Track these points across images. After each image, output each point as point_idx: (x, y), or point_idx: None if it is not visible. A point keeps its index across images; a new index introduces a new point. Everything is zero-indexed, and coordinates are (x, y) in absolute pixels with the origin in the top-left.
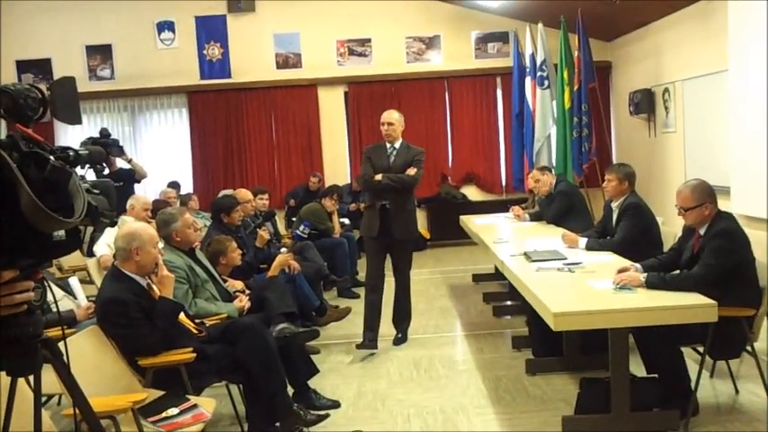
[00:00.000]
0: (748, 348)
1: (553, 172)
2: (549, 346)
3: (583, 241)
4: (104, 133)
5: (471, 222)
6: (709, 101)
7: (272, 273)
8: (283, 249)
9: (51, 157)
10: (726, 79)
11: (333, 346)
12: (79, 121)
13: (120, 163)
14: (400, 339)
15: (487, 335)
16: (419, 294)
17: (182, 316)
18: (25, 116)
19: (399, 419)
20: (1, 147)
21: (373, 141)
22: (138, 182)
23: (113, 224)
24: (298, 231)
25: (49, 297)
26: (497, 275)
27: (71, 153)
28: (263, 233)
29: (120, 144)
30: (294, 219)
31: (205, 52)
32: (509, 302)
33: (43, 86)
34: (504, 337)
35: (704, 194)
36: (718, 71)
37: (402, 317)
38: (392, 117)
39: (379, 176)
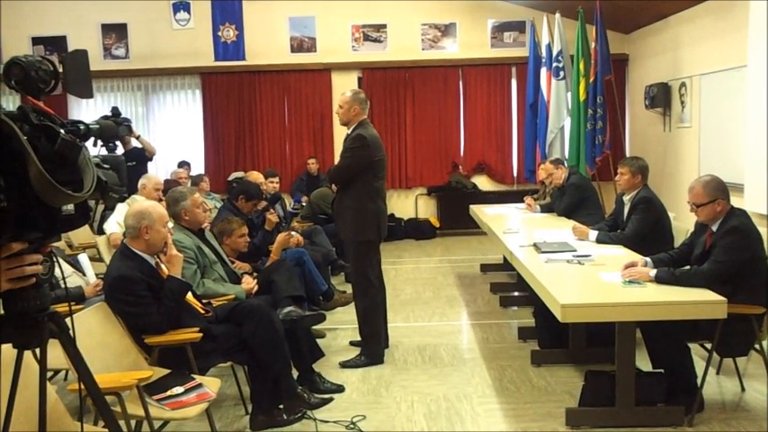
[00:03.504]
0: (756, 346)
1: (566, 164)
2: (554, 337)
3: (593, 234)
4: (115, 112)
5: (481, 212)
6: (727, 96)
7: (273, 255)
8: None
9: (62, 131)
10: (744, 75)
11: (339, 330)
12: (91, 95)
13: (134, 143)
14: (347, 364)
15: (493, 325)
16: (427, 282)
17: (189, 296)
18: (36, 88)
19: (403, 406)
20: (11, 118)
21: (386, 128)
22: (150, 160)
23: (122, 199)
24: (290, 209)
25: (58, 273)
26: (505, 266)
27: (82, 127)
28: (272, 216)
29: (130, 123)
30: (303, 204)
31: (220, 34)
32: (516, 293)
33: (55, 59)
34: (510, 328)
35: (716, 190)
36: (736, 67)
37: (361, 335)
38: (340, 99)
39: None
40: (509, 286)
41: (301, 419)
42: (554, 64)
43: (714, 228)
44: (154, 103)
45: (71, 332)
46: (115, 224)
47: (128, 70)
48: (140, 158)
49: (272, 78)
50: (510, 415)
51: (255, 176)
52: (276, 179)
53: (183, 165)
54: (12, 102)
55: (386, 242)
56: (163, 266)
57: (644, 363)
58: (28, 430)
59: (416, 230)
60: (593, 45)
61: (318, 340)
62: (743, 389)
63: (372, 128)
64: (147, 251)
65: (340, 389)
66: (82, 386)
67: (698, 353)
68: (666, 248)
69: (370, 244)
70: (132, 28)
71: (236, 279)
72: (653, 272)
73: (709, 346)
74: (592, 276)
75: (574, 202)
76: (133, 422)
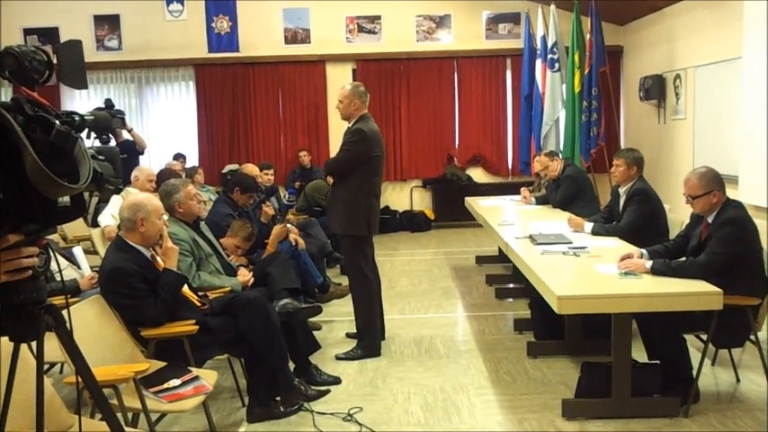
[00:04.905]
0: (752, 338)
1: (561, 156)
2: (550, 329)
3: (589, 226)
4: (108, 104)
5: (477, 204)
6: (721, 88)
7: (270, 247)
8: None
9: (57, 122)
10: (739, 67)
11: (335, 322)
12: (85, 86)
13: (126, 136)
14: (343, 357)
15: (489, 316)
16: (422, 275)
17: (185, 288)
18: (30, 79)
19: (400, 397)
20: (5, 109)
21: (380, 120)
22: (142, 153)
23: (118, 191)
24: (285, 201)
25: (54, 266)
26: (501, 258)
27: (77, 118)
28: (268, 209)
29: (123, 115)
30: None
31: (213, 25)
32: (512, 285)
33: (49, 49)
34: (505, 320)
35: (712, 182)
36: (731, 58)
37: (357, 328)
38: (340, 93)
39: None
40: (504, 278)
41: (298, 411)
42: (549, 56)
43: (710, 219)
44: (147, 95)
45: (68, 325)
46: (110, 217)
47: (121, 62)
48: (132, 151)
49: (266, 70)
50: (506, 406)
51: (251, 169)
52: (271, 171)
53: (179, 157)
54: (4, 93)
55: (381, 234)
56: (158, 259)
57: (640, 354)
58: (25, 423)
59: (411, 223)
60: (588, 37)
61: (315, 332)
62: (738, 380)
63: (373, 122)
64: (142, 244)
65: (337, 381)
66: (79, 379)
67: (693, 344)
68: (662, 240)
69: (361, 238)
70: (125, 19)
71: (231, 271)
72: (649, 263)
73: (704, 337)
74: (588, 268)
75: (569, 193)
76: (130, 415)
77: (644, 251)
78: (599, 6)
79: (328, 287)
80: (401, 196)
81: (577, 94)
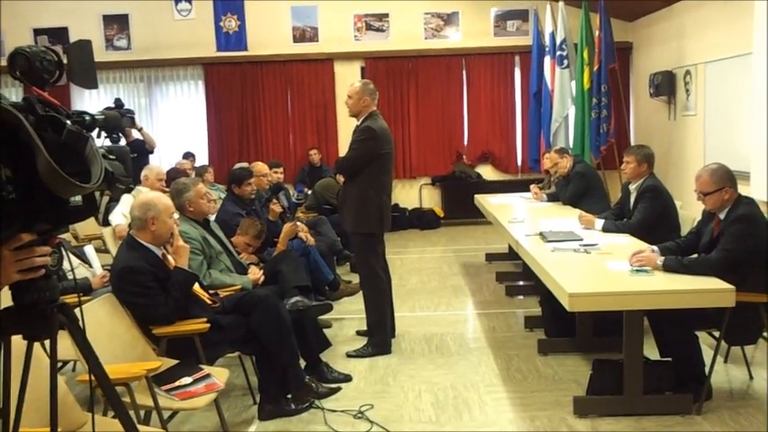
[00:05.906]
0: (765, 335)
1: (570, 153)
2: (561, 326)
3: (599, 223)
4: (118, 103)
5: (486, 201)
6: (732, 84)
7: (280, 245)
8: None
9: (68, 122)
10: (749, 62)
11: (345, 320)
12: (95, 86)
13: (136, 135)
14: (354, 354)
15: (500, 314)
16: (432, 272)
17: (196, 287)
18: (41, 79)
19: (410, 395)
20: (17, 109)
21: (389, 118)
22: (151, 152)
23: (129, 190)
24: (294, 199)
25: (66, 265)
26: (511, 255)
27: (87, 118)
28: (275, 207)
29: (133, 114)
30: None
31: (222, 24)
32: (522, 282)
33: (59, 49)
34: (516, 317)
35: (724, 178)
36: (742, 54)
37: (368, 325)
38: (349, 89)
39: None
40: (515, 275)
41: (309, 409)
42: (558, 52)
43: (722, 216)
44: (156, 94)
45: (80, 323)
46: (120, 216)
47: (130, 61)
48: (142, 150)
49: (274, 69)
50: (517, 404)
51: (260, 167)
52: (280, 170)
53: (189, 156)
54: (14, 93)
55: (390, 232)
56: (169, 257)
57: (651, 351)
58: (39, 421)
59: (421, 220)
60: (597, 33)
61: (325, 330)
62: (751, 377)
63: (382, 120)
64: (153, 242)
65: (347, 378)
66: (92, 377)
67: (705, 341)
68: (673, 237)
69: (373, 235)
70: (134, 19)
71: (242, 270)
72: (660, 260)
73: (717, 334)
74: (599, 265)
75: (579, 190)
76: (142, 412)
77: (655, 248)
78: (607, 3)
79: (339, 285)
80: (410, 194)
81: (587, 90)
